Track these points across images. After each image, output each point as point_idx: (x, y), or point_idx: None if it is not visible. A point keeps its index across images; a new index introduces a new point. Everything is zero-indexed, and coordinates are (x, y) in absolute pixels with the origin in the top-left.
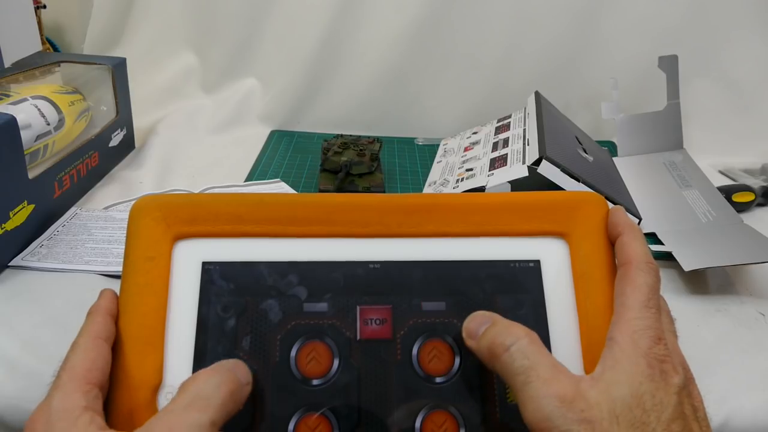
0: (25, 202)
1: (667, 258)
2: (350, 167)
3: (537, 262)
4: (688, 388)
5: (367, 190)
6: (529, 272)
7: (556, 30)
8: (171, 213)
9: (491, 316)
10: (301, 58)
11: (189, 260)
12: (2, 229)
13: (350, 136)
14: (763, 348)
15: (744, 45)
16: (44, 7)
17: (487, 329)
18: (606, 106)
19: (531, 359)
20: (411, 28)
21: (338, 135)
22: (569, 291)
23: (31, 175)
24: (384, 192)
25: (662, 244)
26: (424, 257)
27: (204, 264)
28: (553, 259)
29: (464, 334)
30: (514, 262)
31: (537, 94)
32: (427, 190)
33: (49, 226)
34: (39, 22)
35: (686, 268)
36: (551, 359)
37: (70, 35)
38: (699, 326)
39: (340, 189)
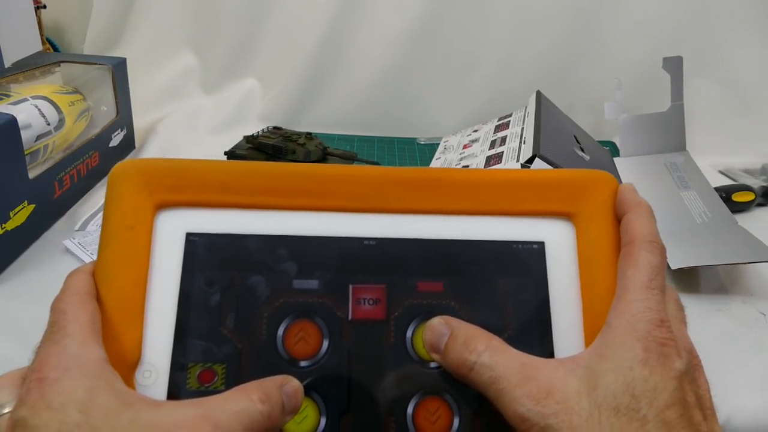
0: (26, 202)
1: None
2: (310, 155)
3: (541, 244)
4: (692, 375)
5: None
6: (533, 254)
7: (558, 30)
8: (154, 179)
9: (447, 323)
10: (301, 58)
11: (172, 230)
12: (2, 229)
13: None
14: (764, 348)
15: (744, 46)
16: (44, 7)
17: (447, 345)
18: (609, 105)
19: (496, 370)
20: (411, 28)
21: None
22: (574, 275)
23: (32, 175)
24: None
25: None
26: (422, 235)
27: (188, 235)
28: (558, 241)
29: (426, 348)
30: (518, 243)
31: (538, 94)
32: None
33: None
34: (39, 22)
35: (673, 266)
36: (518, 360)
37: (70, 35)
38: (700, 326)
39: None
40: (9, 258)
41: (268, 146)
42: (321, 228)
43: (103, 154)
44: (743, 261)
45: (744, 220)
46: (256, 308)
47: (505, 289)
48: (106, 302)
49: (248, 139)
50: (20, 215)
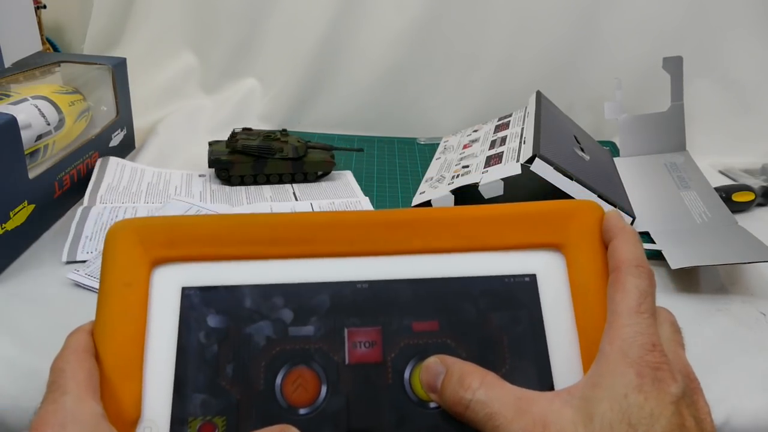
0: (26, 202)
1: (658, 257)
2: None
3: (533, 276)
4: (690, 398)
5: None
6: (525, 287)
7: (558, 31)
8: (148, 236)
9: (443, 362)
10: (301, 58)
11: (168, 286)
12: (2, 229)
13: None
14: (764, 348)
15: (744, 45)
16: (44, 7)
17: (444, 384)
18: (609, 105)
19: (492, 406)
20: (411, 28)
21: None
22: (567, 305)
23: (32, 175)
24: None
25: (654, 242)
26: (413, 275)
27: (184, 289)
28: (549, 272)
29: (424, 388)
30: (509, 276)
31: (538, 94)
32: (423, 185)
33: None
34: (39, 22)
35: (673, 266)
36: (513, 394)
37: (70, 35)
38: (700, 326)
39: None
40: (9, 258)
41: (253, 148)
42: (313, 274)
43: (103, 154)
44: (743, 261)
45: (744, 220)
46: (253, 358)
47: (500, 324)
48: (105, 360)
49: (227, 143)
50: (20, 215)
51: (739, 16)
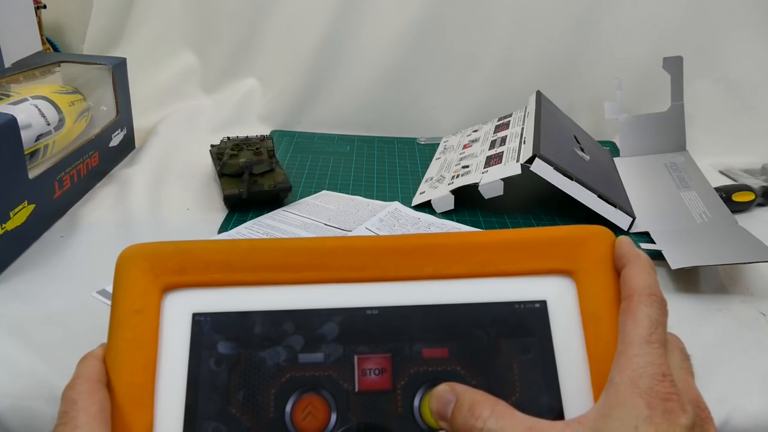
0: (26, 202)
1: (659, 257)
2: (252, 168)
3: (543, 303)
4: (701, 428)
5: (273, 188)
6: (535, 313)
7: (558, 30)
8: (159, 263)
9: (453, 390)
10: (301, 58)
11: (179, 312)
12: (2, 229)
13: (237, 137)
14: (764, 348)
15: (744, 46)
16: (44, 7)
17: (454, 412)
18: (609, 105)
19: None
20: (411, 28)
21: (226, 138)
22: (578, 332)
23: (31, 175)
24: (290, 188)
25: (654, 243)
26: (423, 301)
27: (194, 315)
28: (559, 298)
29: (434, 416)
30: (519, 303)
31: (538, 94)
32: (423, 185)
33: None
34: (39, 22)
35: (673, 266)
36: (524, 424)
37: (70, 35)
38: (700, 326)
39: (248, 191)
40: (9, 258)
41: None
42: (323, 300)
43: (103, 154)
44: (743, 261)
45: (744, 220)
46: (263, 385)
47: (510, 351)
48: (116, 389)
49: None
50: (20, 215)
51: (739, 16)
